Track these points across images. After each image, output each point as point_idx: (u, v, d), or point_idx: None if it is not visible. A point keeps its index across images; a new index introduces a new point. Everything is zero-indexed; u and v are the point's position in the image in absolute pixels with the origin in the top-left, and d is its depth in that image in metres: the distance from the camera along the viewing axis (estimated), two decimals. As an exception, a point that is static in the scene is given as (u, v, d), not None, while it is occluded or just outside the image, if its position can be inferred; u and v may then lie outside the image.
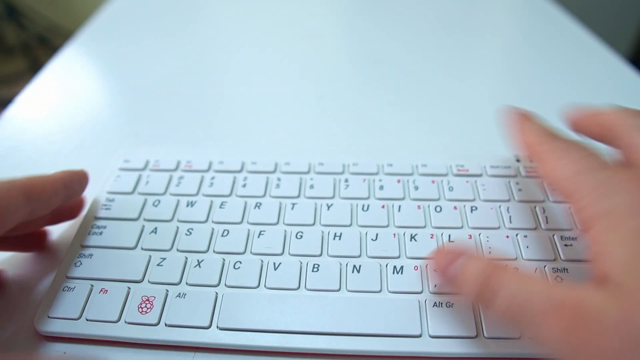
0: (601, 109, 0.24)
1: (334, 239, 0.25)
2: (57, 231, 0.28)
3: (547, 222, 0.26)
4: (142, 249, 0.26)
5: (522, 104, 0.38)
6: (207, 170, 0.30)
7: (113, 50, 0.48)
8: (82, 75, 0.45)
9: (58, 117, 0.39)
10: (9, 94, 0.48)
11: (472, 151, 0.32)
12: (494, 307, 0.18)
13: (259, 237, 0.26)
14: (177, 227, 0.27)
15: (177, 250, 0.25)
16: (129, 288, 0.24)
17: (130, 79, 0.43)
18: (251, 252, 0.25)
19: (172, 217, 0.27)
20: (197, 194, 0.28)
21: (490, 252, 0.24)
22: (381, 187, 0.28)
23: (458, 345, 0.21)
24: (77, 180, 0.26)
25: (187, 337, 0.22)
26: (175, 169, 0.30)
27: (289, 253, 0.25)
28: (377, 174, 0.29)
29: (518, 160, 0.30)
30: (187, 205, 0.28)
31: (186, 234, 0.26)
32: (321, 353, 0.22)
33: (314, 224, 0.26)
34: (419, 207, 0.27)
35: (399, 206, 0.27)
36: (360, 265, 0.24)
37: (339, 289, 0.23)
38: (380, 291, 0.23)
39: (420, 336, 0.21)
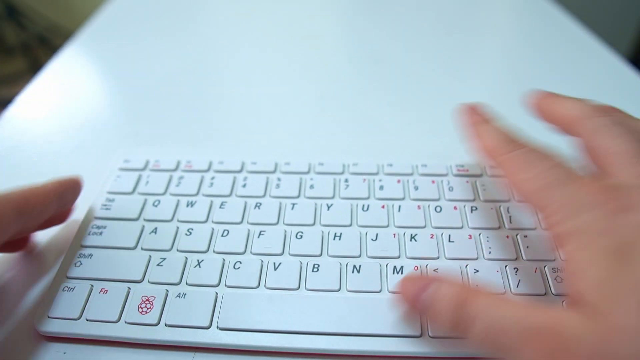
0: (564, 102, 0.24)
1: (334, 239, 0.25)
2: (57, 231, 0.28)
3: (547, 222, 0.26)
4: (142, 249, 0.26)
5: (522, 104, 0.38)
6: (207, 170, 0.30)
7: (113, 50, 0.48)
8: (82, 75, 0.45)
9: (58, 117, 0.39)
10: (9, 94, 0.48)
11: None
12: (471, 335, 0.18)
13: (259, 237, 0.26)
14: (177, 227, 0.27)
15: (177, 250, 0.25)
16: (129, 288, 0.24)
17: (130, 79, 0.43)
18: (251, 252, 0.25)
19: (172, 217, 0.27)
20: (197, 194, 0.28)
21: (490, 253, 0.24)
22: (381, 187, 0.28)
23: (458, 346, 0.21)
24: (70, 190, 0.26)
25: (187, 337, 0.22)
26: (175, 169, 0.30)
27: (289, 253, 0.25)
28: (377, 174, 0.29)
29: None
30: (187, 205, 0.28)
31: (186, 234, 0.26)
32: (321, 353, 0.22)
33: (314, 224, 0.26)
34: (419, 207, 0.27)
35: (399, 206, 0.27)
36: (360, 265, 0.24)
37: (339, 289, 0.23)
38: (380, 291, 0.23)
39: (420, 336, 0.21)
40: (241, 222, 0.27)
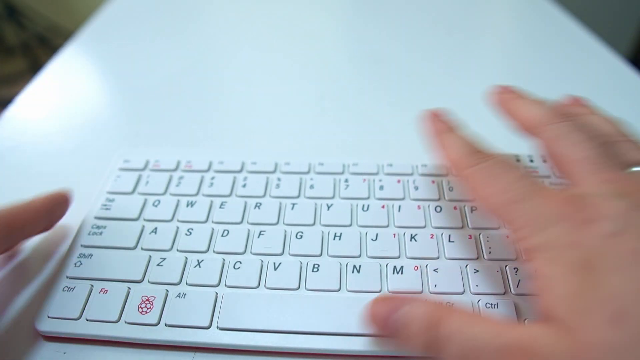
0: (526, 104, 0.23)
1: (334, 239, 0.25)
2: (57, 231, 0.28)
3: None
4: (142, 249, 0.26)
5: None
6: (207, 171, 0.30)
7: (113, 50, 0.48)
8: (82, 75, 0.45)
9: (58, 117, 0.39)
10: (9, 94, 0.48)
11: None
12: (446, 356, 0.17)
13: (259, 237, 0.26)
14: (177, 227, 0.27)
15: (177, 250, 0.25)
16: (129, 288, 0.24)
17: (130, 79, 0.43)
18: (251, 252, 0.25)
19: (172, 217, 0.27)
20: (197, 194, 0.28)
21: (490, 253, 0.24)
22: (381, 187, 0.28)
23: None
24: (59, 205, 0.26)
25: (187, 337, 0.22)
26: (175, 169, 0.30)
27: (289, 253, 0.25)
28: (377, 174, 0.29)
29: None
30: (187, 205, 0.28)
31: (186, 234, 0.26)
32: (321, 353, 0.22)
33: (314, 224, 0.26)
34: (419, 207, 0.27)
35: (399, 206, 0.27)
36: (360, 265, 0.24)
37: (339, 289, 0.23)
38: (380, 291, 0.23)
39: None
40: (241, 222, 0.27)
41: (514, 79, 0.42)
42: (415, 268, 0.24)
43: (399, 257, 0.25)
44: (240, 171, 0.30)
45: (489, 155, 0.21)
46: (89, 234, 0.26)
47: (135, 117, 0.38)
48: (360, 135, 0.36)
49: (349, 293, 0.23)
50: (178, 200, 0.28)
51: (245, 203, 0.28)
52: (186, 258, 0.25)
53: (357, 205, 0.27)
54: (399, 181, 0.29)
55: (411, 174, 0.29)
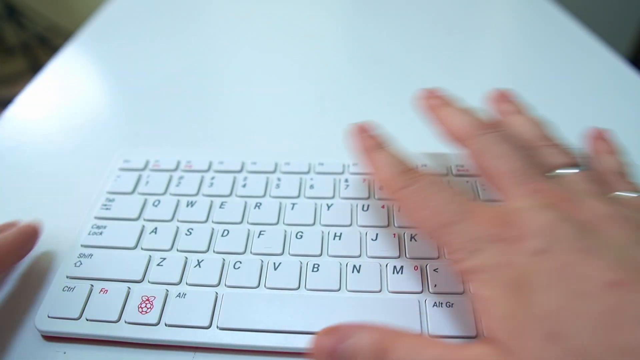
0: (452, 115, 0.23)
1: (334, 239, 0.25)
2: (57, 231, 0.28)
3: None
4: (142, 249, 0.26)
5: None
6: (207, 171, 0.30)
7: (113, 50, 0.48)
8: (82, 75, 0.45)
9: (58, 117, 0.39)
10: (9, 94, 0.48)
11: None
12: None
13: (259, 237, 0.26)
14: (177, 227, 0.27)
15: (177, 250, 0.25)
16: (129, 288, 0.24)
17: (130, 79, 0.43)
18: (251, 252, 0.25)
19: (172, 217, 0.27)
20: (197, 194, 0.28)
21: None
22: (381, 187, 0.28)
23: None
24: (29, 239, 0.25)
25: (187, 337, 0.22)
26: (175, 169, 0.30)
27: (289, 253, 0.25)
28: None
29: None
30: (187, 205, 0.28)
31: (186, 234, 0.26)
32: (321, 353, 0.22)
33: (314, 224, 0.26)
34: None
35: (399, 206, 0.27)
36: (360, 265, 0.24)
37: (339, 289, 0.23)
38: (380, 291, 0.23)
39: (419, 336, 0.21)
40: (241, 222, 0.27)
41: (514, 79, 0.42)
42: (415, 268, 0.24)
43: (399, 257, 0.25)
44: (240, 171, 0.30)
45: (420, 175, 0.21)
46: (89, 234, 0.26)
47: (135, 117, 0.38)
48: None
49: (349, 293, 0.23)
50: (178, 200, 0.28)
51: (245, 203, 0.28)
52: (186, 258, 0.25)
53: (357, 205, 0.27)
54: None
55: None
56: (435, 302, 0.22)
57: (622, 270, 0.15)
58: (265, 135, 0.36)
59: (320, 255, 0.25)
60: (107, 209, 0.28)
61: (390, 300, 0.23)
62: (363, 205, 0.27)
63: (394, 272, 0.24)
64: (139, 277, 0.24)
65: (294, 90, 0.41)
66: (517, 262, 0.17)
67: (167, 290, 0.23)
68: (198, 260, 0.25)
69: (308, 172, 0.29)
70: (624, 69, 0.41)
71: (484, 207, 0.19)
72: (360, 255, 0.25)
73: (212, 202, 0.28)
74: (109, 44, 0.50)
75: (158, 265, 0.25)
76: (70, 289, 0.24)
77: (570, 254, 0.16)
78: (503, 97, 0.27)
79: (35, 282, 0.25)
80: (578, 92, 0.39)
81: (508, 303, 0.16)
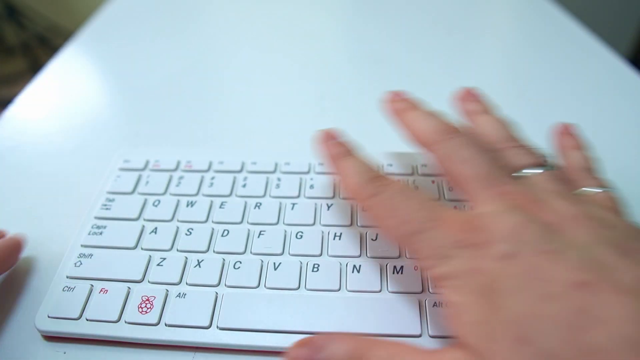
0: (418, 120, 0.23)
1: (334, 239, 0.25)
2: (57, 231, 0.28)
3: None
4: (142, 249, 0.26)
5: (522, 104, 0.38)
6: (207, 171, 0.30)
7: (113, 50, 0.48)
8: (82, 75, 0.45)
9: (58, 117, 0.39)
10: (9, 94, 0.48)
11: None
12: None
13: (259, 237, 0.26)
14: (177, 227, 0.27)
15: (177, 250, 0.25)
16: (129, 288, 0.24)
17: (130, 79, 0.43)
18: (251, 252, 0.25)
19: (172, 217, 0.27)
20: (197, 194, 0.28)
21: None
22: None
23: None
24: (12, 254, 0.25)
25: (187, 337, 0.22)
26: (175, 169, 0.30)
27: (289, 253, 0.25)
28: (411, 174, 0.29)
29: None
30: (187, 205, 0.28)
31: (186, 234, 0.26)
32: (321, 353, 0.22)
33: (314, 224, 0.26)
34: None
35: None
36: (360, 265, 0.24)
37: (339, 289, 0.23)
38: (380, 291, 0.23)
39: (420, 336, 0.21)
40: (241, 222, 0.27)
41: (514, 79, 0.42)
42: (415, 268, 0.24)
43: (399, 257, 0.25)
44: (240, 171, 0.30)
45: (388, 182, 0.21)
46: (89, 234, 0.26)
47: (135, 117, 0.38)
48: (361, 135, 0.35)
49: (349, 293, 0.23)
50: (178, 200, 0.28)
51: (245, 203, 0.28)
52: (186, 258, 0.25)
53: (357, 205, 0.27)
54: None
55: (411, 174, 0.29)
56: (435, 302, 0.22)
57: (587, 271, 0.15)
58: (265, 135, 0.36)
59: (320, 255, 0.25)
60: (107, 209, 0.28)
61: (390, 300, 0.23)
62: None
63: (394, 272, 0.24)
64: (139, 277, 0.24)
65: (294, 90, 0.41)
66: (485, 268, 0.17)
67: (167, 290, 0.23)
68: (198, 260, 0.25)
69: (308, 172, 0.29)
70: (624, 69, 0.41)
71: (452, 213, 0.19)
72: (360, 255, 0.25)
73: (212, 202, 0.28)
74: (109, 44, 0.50)
75: (158, 265, 0.25)
76: (70, 289, 0.24)
77: (536, 257, 0.16)
78: (470, 96, 0.27)
79: (35, 282, 0.25)
80: (578, 92, 0.39)
81: (478, 308, 0.16)
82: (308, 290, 0.23)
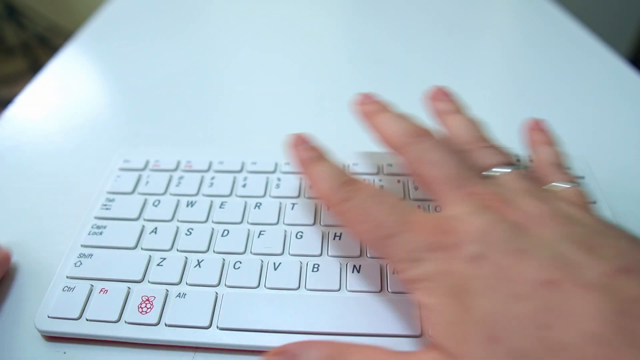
0: (387, 123, 0.23)
1: (334, 239, 0.25)
2: (57, 231, 0.28)
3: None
4: (142, 249, 0.26)
5: (522, 104, 0.38)
6: (207, 170, 0.30)
7: (113, 50, 0.48)
8: (82, 75, 0.45)
9: (58, 117, 0.39)
10: (9, 94, 0.48)
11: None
12: None
13: (259, 237, 0.26)
14: (177, 227, 0.27)
15: (177, 250, 0.25)
16: (129, 288, 0.24)
17: (130, 79, 0.43)
18: (251, 252, 0.25)
19: (172, 217, 0.27)
20: (197, 194, 0.28)
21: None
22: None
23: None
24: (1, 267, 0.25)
25: (187, 337, 0.22)
26: (175, 169, 0.30)
27: (289, 253, 0.25)
28: (377, 174, 0.29)
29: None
30: (187, 205, 0.28)
31: (186, 234, 0.26)
32: (321, 353, 0.21)
33: (314, 224, 0.26)
34: (419, 207, 0.27)
35: (435, 207, 0.27)
36: (360, 265, 0.24)
37: (339, 289, 0.23)
38: (380, 291, 0.23)
39: (420, 336, 0.21)
40: (241, 222, 0.27)
41: (514, 79, 0.42)
42: (394, 272, 0.24)
43: (399, 257, 0.24)
44: (240, 171, 0.30)
45: (359, 187, 0.21)
46: (89, 234, 0.26)
47: (135, 117, 0.38)
48: (361, 135, 0.35)
49: (348, 293, 0.23)
50: (178, 200, 0.28)
51: (245, 203, 0.28)
52: (186, 258, 0.25)
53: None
54: (399, 181, 0.29)
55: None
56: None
57: (553, 269, 0.15)
58: (265, 135, 0.36)
59: (320, 255, 0.25)
60: (107, 209, 0.28)
61: (390, 300, 0.23)
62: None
63: (394, 273, 0.24)
64: (139, 277, 0.24)
65: (294, 90, 0.41)
66: (456, 269, 0.17)
67: (167, 290, 0.23)
68: (198, 260, 0.25)
69: (308, 172, 0.29)
70: (624, 69, 0.41)
71: (423, 216, 0.19)
72: (360, 256, 0.25)
73: (212, 202, 0.28)
74: (109, 44, 0.50)
75: (158, 265, 0.25)
76: (70, 289, 0.24)
77: (504, 257, 0.16)
78: (441, 95, 0.27)
79: (35, 282, 0.25)
80: (578, 92, 0.39)
81: (450, 310, 0.16)
82: (308, 290, 0.23)
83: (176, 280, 0.24)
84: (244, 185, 0.29)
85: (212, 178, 0.29)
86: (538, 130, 0.26)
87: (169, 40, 0.49)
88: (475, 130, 0.24)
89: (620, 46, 1.24)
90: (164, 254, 0.25)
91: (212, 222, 0.27)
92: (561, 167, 0.24)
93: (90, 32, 0.51)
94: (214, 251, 0.25)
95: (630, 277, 0.15)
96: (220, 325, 0.22)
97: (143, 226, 0.27)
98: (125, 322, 0.22)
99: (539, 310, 0.15)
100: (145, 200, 0.28)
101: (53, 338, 0.23)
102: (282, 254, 0.25)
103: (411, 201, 0.27)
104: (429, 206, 0.27)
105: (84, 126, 0.37)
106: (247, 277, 0.24)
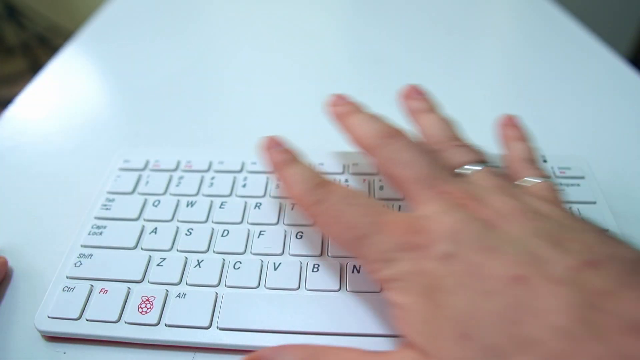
0: (358, 124, 0.23)
1: (334, 239, 0.25)
2: (57, 231, 0.28)
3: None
4: (142, 249, 0.26)
5: (522, 104, 0.38)
6: (207, 170, 0.30)
7: (113, 50, 0.48)
8: (82, 75, 0.45)
9: (58, 117, 0.39)
10: (9, 94, 0.48)
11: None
12: None
13: (259, 237, 0.26)
14: (177, 227, 0.27)
15: (177, 250, 0.25)
16: (129, 288, 0.24)
17: (130, 79, 0.43)
18: (251, 252, 0.25)
19: (172, 217, 0.27)
20: (197, 194, 0.28)
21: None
22: (381, 188, 0.28)
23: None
24: None
25: (187, 337, 0.22)
26: (175, 169, 0.30)
27: (289, 253, 0.25)
28: (377, 174, 0.29)
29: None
30: (187, 205, 0.28)
31: (186, 234, 0.26)
32: (321, 353, 0.21)
33: (314, 224, 0.26)
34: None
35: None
36: (360, 266, 0.24)
37: (339, 289, 0.23)
38: (380, 291, 0.23)
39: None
40: (241, 222, 0.27)
41: (514, 79, 0.42)
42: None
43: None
44: (240, 171, 0.30)
45: (332, 189, 0.21)
46: (89, 234, 0.26)
47: (135, 117, 0.38)
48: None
49: (349, 293, 0.23)
50: (178, 200, 0.28)
51: (245, 203, 0.28)
52: (186, 258, 0.25)
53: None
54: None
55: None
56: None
57: (522, 264, 0.16)
58: (265, 135, 0.36)
59: (321, 255, 0.25)
60: (107, 209, 0.28)
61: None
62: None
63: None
64: (139, 277, 0.24)
65: (294, 90, 0.41)
66: (428, 269, 0.17)
67: (167, 291, 0.23)
68: (198, 261, 0.25)
69: (308, 172, 0.29)
70: (624, 69, 0.41)
71: (396, 216, 0.19)
72: (360, 256, 0.25)
73: (212, 202, 0.28)
74: (109, 44, 0.50)
75: (158, 265, 0.25)
76: (70, 289, 0.24)
77: (474, 255, 0.16)
78: (414, 94, 0.27)
79: (35, 282, 0.25)
80: (578, 92, 0.39)
81: (423, 308, 0.17)
82: (308, 290, 0.23)
83: (176, 280, 0.24)
84: (244, 185, 0.29)
85: (212, 178, 0.29)
86: (511, 126, 0.27)
87: (169, 40, 0.49)
88: (448, 129, 0.24)
89: (620, 46, 1.24)
90: (164, 254, 0.25)
91: (212, 222, 0.27)
92: (533, 162, 0.24)
93: (90, 32, 0.51)
94: (214, 251, 0.25)
95: (596, 270, 0.15)
96: (220, 326, 0.22)
97: (143, 226, 0.27)
98: (125, 322, 0.22)
99: (508, 306, 0.15)
100: (145, 201, 0.28)
101: (53, 338, 0.23)
102: (282, 254, 0.25)
103: (393, 210, 0.27)
104: (393, 205, 0.27)
105: (84, 126, 0.37)
106: (247, 277, 0.24)
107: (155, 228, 0.26)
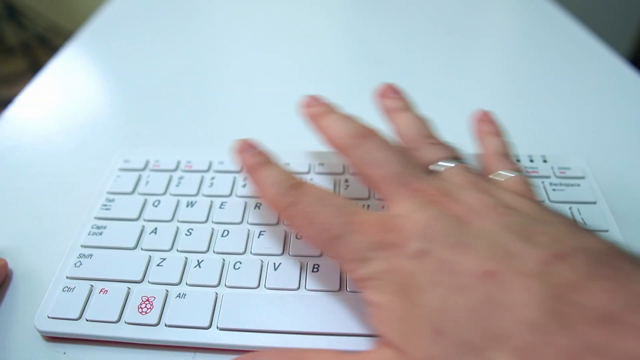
0: (331, 125, 0.24)
1: (334, 239, 0.25)
2: (57, 231, 0.28)
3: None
4: (142, 249, 0.26)
5: (522, 104, 0.38)
6: (207, 171, 0.30)
7: (113, 50, 0.48)
8: (82, 75, 0.45)
9: (58, 117, 0.39)
10: (9, 94, 0.48)
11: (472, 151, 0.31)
12: None
13: (258, 237, 0.26)
14: (177, 227, 0.27)
15: (177, 250, 0.25)
16: (129, 288, 0.24)
17: (130, 79, 0.43)
18: (251, 252, 0.25)
19: (172, 217, 0.27)
20: (197, 194, 0.28)
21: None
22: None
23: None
24: None
25: (187, 337, 0.22)
26: (175, 169, 0.30)
27: (289, 253, 0.25)
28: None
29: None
30: (187, 206, 0.28)
31: (186, 234, 0.26)
32: (321, 353, 0.21)
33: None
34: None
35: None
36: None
37: (339, 289, 0.23)
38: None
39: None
40: (241, 223, 0.27)
41: (514, 79, 0.42)
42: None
43: (399, 257, 0.24)
44: (240, 171, 0.30)
45: (305, 190, 0.21)
46: (89, 234, 0.26)
47: (135, 117, 0.38)
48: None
49: (348, 293, 0.23)
50: (178, 201, 0.28)
51: (245, 203, 0.28)
52: (186, 258, 0.25)
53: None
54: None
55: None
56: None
57: (493, 260, 0.16)
58: (265, 135, 0.36)
59: (321, 255, 0.25)
60: (107, 209, 0.28)
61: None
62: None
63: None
64: (139, 278, 0.24)
65: (294, 90, 0.41)
66: (402, 267, 0.17)
67: (167, 291, 0.23)
68: (198, 261, 0.25)
69: (308, 173, 0.29)
70: (624, 69, 0.41)
71: (369, 216, 0.19)
72: (360, 256, 0.25)
73: (212, 202, 0.28)
74: (109, 44, 0.50)
75: (158, 265, 0.25)
76: (70, 289, 0.24)
77: (446, 251, 0.17)
78: (390, 93, 0.27)
79: (35, 282, 0.25)
80: (578, 92, 0.39)
81: (398, 306, 0.17)
82: (308, 290, 0.23)
83: (176, 280, 0.24)
84: (244, 186, 0.29)
85: (212, 178, 0.29)
86: (485, 122, 0.27)
87: (169, 40, 0.49)
88: (423, 128, 0.24)
89: (620, 46, 1.24)
90: (163, 254, 0.25)
91: (212, 222, 0.27)
92: (507, 156, 0.24)
93: (90, 32, 0.51)
94: (213, 251, 0.25)
95: (564, 262, 0.15)
96: (220, 326, 0.22)
97: (143, 226, 0.27)
98: (125, 322, 0.22)
99: (480, 301, 0.15)
100: (145, 201, 0.28)
101: (53, 338, 0.23)
102: (282, 254, 0.25)
103: (367, 210, 0.27)
104: (363, 205, 0.27)
105: (84, 126, 0.37)
106: (247, 278, 0.24)
107: (155, 228, 0.26)
